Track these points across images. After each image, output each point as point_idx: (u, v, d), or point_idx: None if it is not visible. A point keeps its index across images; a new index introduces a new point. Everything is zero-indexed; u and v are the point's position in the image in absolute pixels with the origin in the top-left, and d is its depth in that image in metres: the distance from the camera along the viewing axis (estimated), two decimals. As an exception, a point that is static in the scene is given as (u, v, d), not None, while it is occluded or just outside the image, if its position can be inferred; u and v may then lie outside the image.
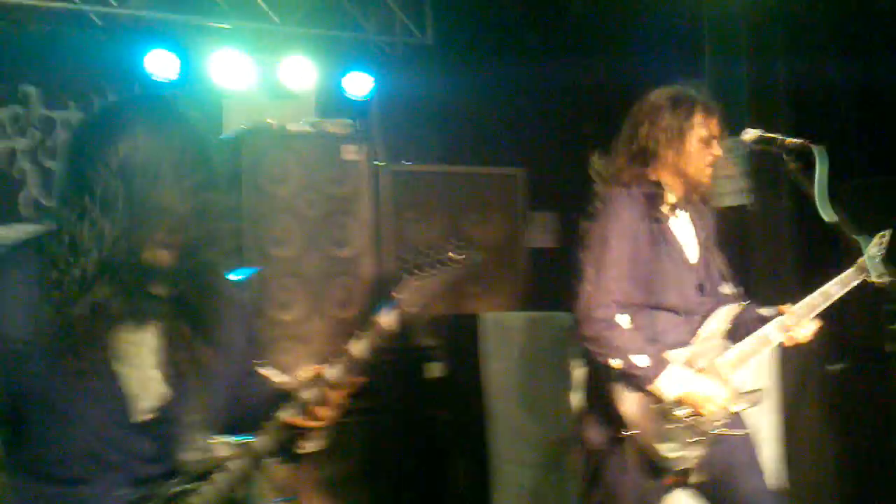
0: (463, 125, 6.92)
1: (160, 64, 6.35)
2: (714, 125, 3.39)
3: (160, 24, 6.46)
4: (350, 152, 5.75)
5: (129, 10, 6.29)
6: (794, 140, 3.22)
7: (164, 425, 2.15)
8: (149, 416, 2.16)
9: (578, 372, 3.47)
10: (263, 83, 6.86)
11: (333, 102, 6.94)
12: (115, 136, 2.08)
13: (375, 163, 5.90)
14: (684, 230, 3.43)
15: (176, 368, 2.16)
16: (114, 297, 2.05)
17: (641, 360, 3.17)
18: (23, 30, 6.01)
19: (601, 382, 3.26)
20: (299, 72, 6.82)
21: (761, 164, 5.33)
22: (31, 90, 6.29)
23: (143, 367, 2.17)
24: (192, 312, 2.17)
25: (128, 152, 2.06)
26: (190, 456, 2.20)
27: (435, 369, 5.52)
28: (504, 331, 5.25)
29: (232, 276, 2.37)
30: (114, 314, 2.07)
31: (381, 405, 5.71)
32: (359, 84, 6.85)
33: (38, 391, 2.10)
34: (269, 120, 5.74)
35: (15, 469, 2.17)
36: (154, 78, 6.27)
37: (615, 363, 3.18)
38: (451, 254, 2.28)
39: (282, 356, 5.48)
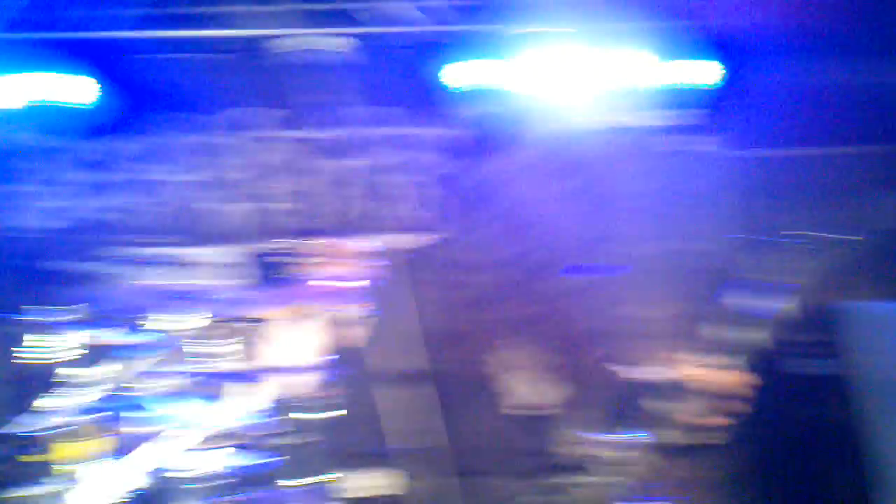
0: (821, 105, 6.49)
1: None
2: None
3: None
4: (704, 143, 5.59)
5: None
6: None
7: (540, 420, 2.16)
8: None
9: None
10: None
11: (680, 93, 6.79)
12: None
13: (732, 152, 5.68)
14: None
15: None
16: None
17: None
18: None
19: None
20: (644, 65, 6.74)
21: None
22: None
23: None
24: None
25: None
26: (565, 449, 2.19)
27: (815, 366, 5.19)
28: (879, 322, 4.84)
29: (597, 273, 2.35)
30: None
31: (761, 404, 5.50)
32: (707, 73, 6.64)
33: None
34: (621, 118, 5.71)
35: None
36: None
37: None
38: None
39: (642, 351, 5.41)
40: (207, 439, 4.02)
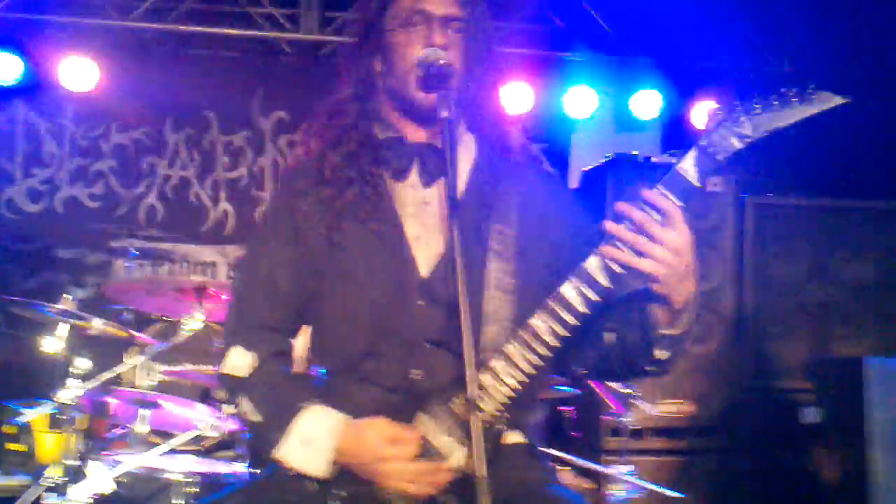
0: (829, 154, 6.48)
1: (515, 96, 6.50)
2: None
3: (515, 57, 6.60)
4: (715, 184, 5.56)
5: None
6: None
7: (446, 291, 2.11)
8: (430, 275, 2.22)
9: None
10: (611, 115, 6.87)
11: (679, 132, 6.78)
12: None
13: (741, 195, 5.65)
14: None
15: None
16: None
17: None
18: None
19: None
20: (647, 102, 6.77)
21: None
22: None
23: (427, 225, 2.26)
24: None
25: None
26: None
27: (810, 414, 5.16)
28: (891, 377, 4.81)
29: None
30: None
31: (740, 446, 5.47)
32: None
33: (332, 263, 2.26)
34: (633, 151, 5.66)
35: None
36: (510, 110, 6.40)
37: None
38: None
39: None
40: (198, 442, 3.89)
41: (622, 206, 2.01)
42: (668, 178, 2.01)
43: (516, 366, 2.08)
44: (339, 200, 2.28)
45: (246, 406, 2.24)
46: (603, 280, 2.03)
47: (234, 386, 2.28)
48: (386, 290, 2.24)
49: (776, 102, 2.01)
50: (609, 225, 2.02)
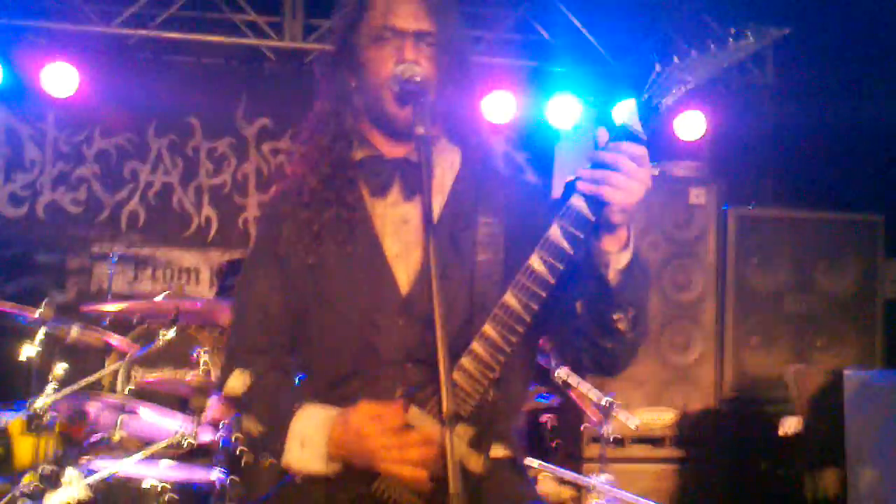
0: (810, 166, 6.52)
1: (498, 106, 6.51)
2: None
3: (500, 67, 6.62)
4: (697, 195, 5.59)
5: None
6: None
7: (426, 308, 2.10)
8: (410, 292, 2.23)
9: None
10: (596, 123, 6.87)
11: (666, 144, 6.80)
12: None
13: (722, 207, 5.68)
14: None
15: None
16: None
17: None
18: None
19: None
20: (633, 113, 6.77)
21: None
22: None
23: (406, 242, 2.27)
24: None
25: None
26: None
27: (790, 424, 5.18)
28: (870, 390, 4.83)
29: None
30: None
31: (714, 453, 5.50)
32: (692, 125, 6.67)
33: (314, 286, 2.27)
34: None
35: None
36: (492, 119, 6.42)
37: None
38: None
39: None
40: (175, 448, 3.87)
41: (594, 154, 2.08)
42: (617, 135, 2.07)
43: (497, 346, 2.09)
44: (317, 223, 2.29)
45: (247, 423, 2.26)
46: (566, 246, 2.07)
47: (235, 406, 2.31)
48: (366, 311, 2.24)
49: (712, 45, 2.04)
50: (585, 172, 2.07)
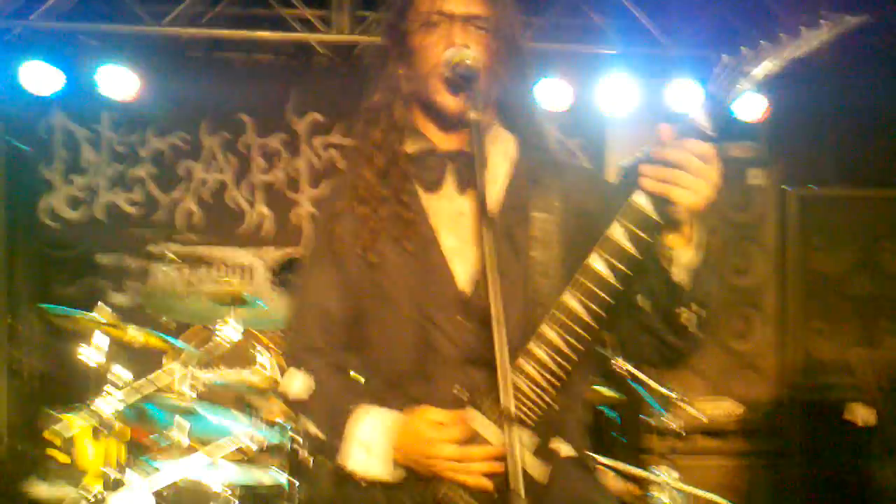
0: (871, 144, 6.34)
1: (552, 92, 6.42)
2: None
3: (553, 53, 6.53)
4: (756, 177, 5.47)
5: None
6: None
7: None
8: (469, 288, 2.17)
9: None
10: (647, 108, 6.75)
11: (722, 126, 6.65)
12: None
13: (782, 187, 5.55)
14: None
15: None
16: None
17: None
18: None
19: None
20: (686, 95, 6.65)
21: None
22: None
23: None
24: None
25: None
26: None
27: (859, 413, 5.04)
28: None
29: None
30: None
31: (788, 448, 5.36)
32: (753, 106, 6.51)
33: (372, 284, 2.23)
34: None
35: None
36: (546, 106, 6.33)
37: None
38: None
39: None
40: (238, 451, 3.88)
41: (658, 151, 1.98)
42: (681, 130, 1.97)
43: (558, 350, 2.03)
44: (373, 220, 2.25)
45: (309, 426, 2.24)
46: (629, 247, 1.99)
47: (293, 407, 2.30)
48: (425, 308, 2.20)
49: (783, 35, 1.94)
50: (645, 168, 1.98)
